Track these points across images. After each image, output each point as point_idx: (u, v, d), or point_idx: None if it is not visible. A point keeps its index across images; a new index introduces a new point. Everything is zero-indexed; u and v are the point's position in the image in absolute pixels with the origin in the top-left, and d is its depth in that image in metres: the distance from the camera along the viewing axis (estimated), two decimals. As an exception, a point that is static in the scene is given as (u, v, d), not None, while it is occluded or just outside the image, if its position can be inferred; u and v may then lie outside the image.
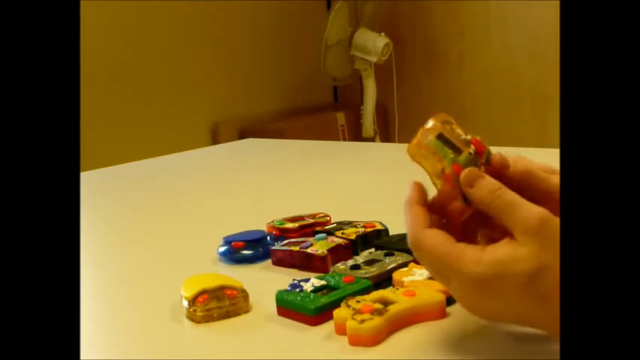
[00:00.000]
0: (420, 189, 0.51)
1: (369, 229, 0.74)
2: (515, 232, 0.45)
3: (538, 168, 0.51)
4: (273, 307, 0.59)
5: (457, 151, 0.50)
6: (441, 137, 0.50)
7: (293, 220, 0.81)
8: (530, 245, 0.44)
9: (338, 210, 0.84)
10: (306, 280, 0.60)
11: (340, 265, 0.64)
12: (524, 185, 0.50)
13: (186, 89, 2.85)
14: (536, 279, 0.43)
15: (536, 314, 0.44)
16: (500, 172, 0.50)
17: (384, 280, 0.61)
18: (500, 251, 0.45)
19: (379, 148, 2.10)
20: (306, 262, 0.69)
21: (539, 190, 0.50)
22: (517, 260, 0.44)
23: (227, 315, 0.59)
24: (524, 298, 0.44)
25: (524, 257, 0.44)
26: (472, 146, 0.50)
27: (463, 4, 3.05)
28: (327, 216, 0.81)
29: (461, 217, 0.51)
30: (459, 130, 0.51)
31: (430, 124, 0.51)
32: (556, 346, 0.40)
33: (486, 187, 0.47)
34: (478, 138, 0.51)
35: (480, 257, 0.45)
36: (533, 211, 0.45)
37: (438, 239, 0.47)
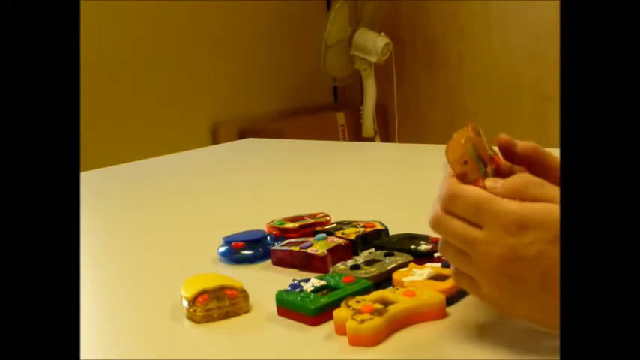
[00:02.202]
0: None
1: (369, 229, 0.74)
2: (553, 201, 0.46)
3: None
4: (273, 307, 0.59)
5: (484, 165, 0.51)
6: (474, 148, 0.51)
7: (293, 220, 0.81)
8: None
9: (338, 210, 0.84)
10: (306, 280, 0.60)
11: (340, 265, 0.64)
12: (531, 161, 0.52)
13: (186, 89, 2.86)
14: None
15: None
16: (508, 149, 0.53)
17: (384, 280, 0.61)
18: (540, 204, 0.46)
19: (379, 148, 2.10)
20: (306, 262, 0.69)
21: (545, 166, 0.53)
22: (555, 211, 0.45)
23: (227, 315, 0.59)
24: (555, 252, 0.44)
25: None
26: (493, 164, 0.52)
27: (463, 4, 3.05)
28: (327, 216, 0.81)
29: None
30: (485, 145, 0.52)
31: (466, 132, 0.52)
32: (556, 344, 0.40)
33: (514, 177, 0.49)
34: (498, 156, 0.53)
35: (521, 203, 0.46)
36: None
37: (478, 189, 0.49)
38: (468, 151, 0.50)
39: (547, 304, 0.46)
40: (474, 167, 0.50)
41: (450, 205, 0.49)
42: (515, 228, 0.46)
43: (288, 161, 1.45)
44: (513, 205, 0.46)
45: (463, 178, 0.50)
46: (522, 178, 0.48)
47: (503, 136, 0.54)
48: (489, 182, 0.49)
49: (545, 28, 2.76)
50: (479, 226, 0.47)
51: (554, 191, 0.46)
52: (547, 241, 0.45)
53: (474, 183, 0.49)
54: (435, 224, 0.50)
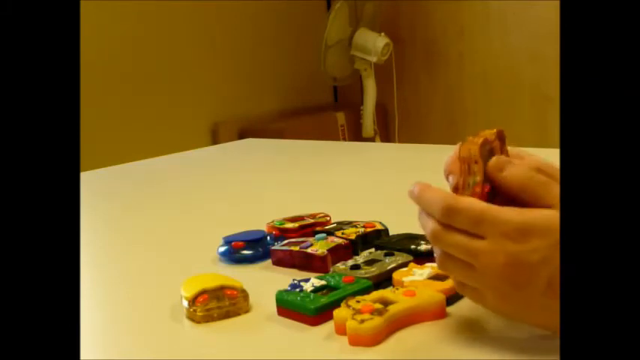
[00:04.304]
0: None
1: (369, 229, 0.74)
2: (556, 205, 0.45)
3: (535, 167, 0.50)
4: (273, 307, 0.59)
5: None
6: (490, 153, 0.51)
7: (293, 220, 0.81)
8: None
9: (338, 210, 0.84)
10: (306, 280, 0.60)
11: (340, 265, 0.64)
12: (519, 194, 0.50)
13: (186, 89, 2.85)
14: None
15: None
16: (493, 175, 0.50)
17: (384, 280, 0.61)
18: (539, 211, 0.46)
19: (379, 148, 2.10)
20: (306, 262, 0.69)
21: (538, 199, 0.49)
22: (557, 216, 0.44)
23: (227, 315, 0.59)
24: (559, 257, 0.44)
25: None
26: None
27: (463, 4, 3.05)
28: (327, 216, 0.81)
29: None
30: (506, 151, 0.52)
31: (488, 134, 0.51)
32: (556, 343, 0.40)
33: (520, 168, 0.49)
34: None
35: (521, 211, 0.46)
36: None
37: (474, 199, 0.48)
38: (483, 153, 0.50)
39: (553, 310, 0.45)
40: (481, 169, 0.49)
41: (449, 219, 0.48)
42: (518, 235, 0.45)
43: (288, 161, 1.45)
44: (514, 213, 0.46)
45: (456, 191, 0.50)
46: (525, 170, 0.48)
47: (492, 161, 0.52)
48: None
49: (545, 28, 2.76)
50: (481, 237, 0.47)
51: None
52: (551, 246, 0.45)
53: (474, 188, 0.49)
54: (435, 239, 0.49)
